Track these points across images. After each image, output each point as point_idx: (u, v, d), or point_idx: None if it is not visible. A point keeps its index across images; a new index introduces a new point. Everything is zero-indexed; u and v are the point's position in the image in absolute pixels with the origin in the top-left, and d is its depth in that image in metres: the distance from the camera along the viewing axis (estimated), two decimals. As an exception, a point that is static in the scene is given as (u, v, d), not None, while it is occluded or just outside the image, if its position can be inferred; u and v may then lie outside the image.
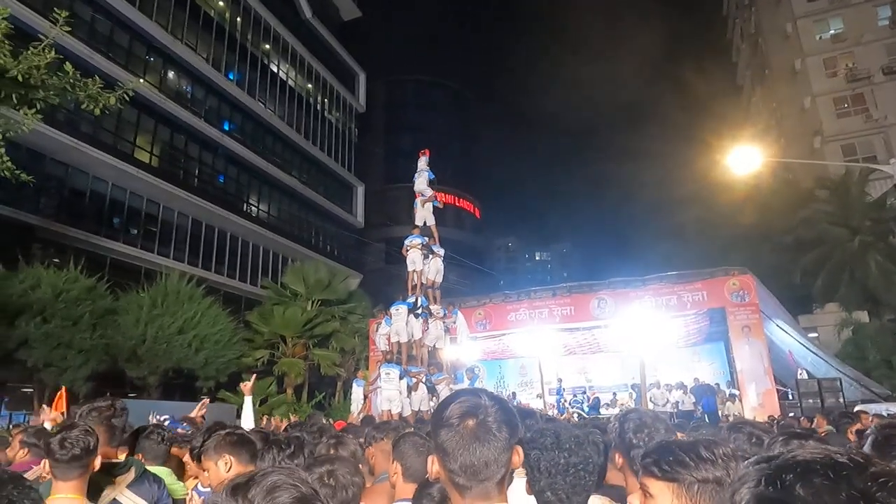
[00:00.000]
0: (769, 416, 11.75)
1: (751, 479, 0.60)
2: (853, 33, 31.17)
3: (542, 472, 1.68)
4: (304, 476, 0.94)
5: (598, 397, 18.65)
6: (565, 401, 18.19)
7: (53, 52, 6.99)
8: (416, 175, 14.34)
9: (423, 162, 14.37)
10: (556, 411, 16.99)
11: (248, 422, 4.46)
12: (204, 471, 2.40)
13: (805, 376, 15.08)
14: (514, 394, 18.95)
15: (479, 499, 1.27)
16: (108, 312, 17.04)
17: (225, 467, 2.33)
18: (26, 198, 18.92)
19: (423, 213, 13.68)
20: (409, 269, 12.97)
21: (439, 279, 13.46)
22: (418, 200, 13.94)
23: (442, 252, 13.58)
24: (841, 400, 13.64)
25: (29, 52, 6.88)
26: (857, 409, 11.13)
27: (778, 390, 15.06)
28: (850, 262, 23.83)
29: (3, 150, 7.09)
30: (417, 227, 13.52)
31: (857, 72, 30.43)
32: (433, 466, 1.32)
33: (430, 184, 14.15)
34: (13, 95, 7.04)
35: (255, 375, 4.58)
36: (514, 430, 1.30)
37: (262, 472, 0.92)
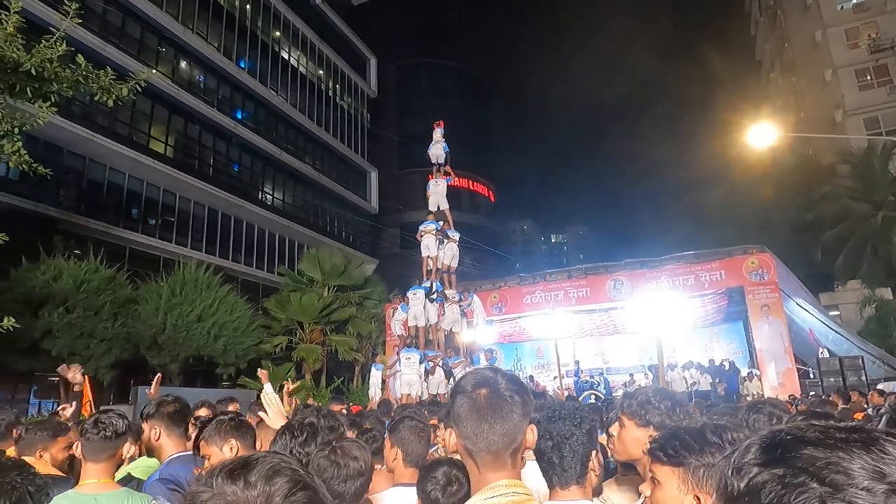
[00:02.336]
0: (790, 396, 11.65)
1: (755, 446, 0.60)
2: (876, 2, 30.21)
3: (542, 439, 1.71)
4: (296, 465, 0.93)
5: (606, 379, 18.62)
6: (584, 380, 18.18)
7: (65, 45, 7.02)
8: (431, 145, 14.31)
9: (438, 133, 14.33)
10: (573, 392, 17.00)
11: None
12: (206, 458, 2.39)
13: (826, 355, 14.89)
14: (531, 377, 19.00)
15: (493, 469, 1.29)
16: (128, 302, 17.32)
17: (231, 453, 2.34)
18: (46, 191, 19.20)
19: (437, 198, 13.65)
20: (424, 254, 12.99)
21: (454, 264, 13.47)
22: (432, 182, 13.90)
23: (457, 236, 13.57)
24: (863, 378, 13.47)
25: (41, 45, 6.91)
26: (879, 386, 11.00)
27: (799, 369, 14.91)
28: (873, 239, 23.37)
29: (20, 144, 7.16)
30: (432, 212, 13.51)
31: (881, 42, 29.54)
32: (451, 439, 1.34)
33: (446, 159, 14.12)
34: (28, 89, 7.09)
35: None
36: (527, 403, 1.33)
37: (259, 456, 0.91)
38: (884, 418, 1.76)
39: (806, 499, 0.53)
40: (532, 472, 1.71)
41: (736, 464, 0.60)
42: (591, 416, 1.82)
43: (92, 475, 2.39)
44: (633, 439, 2.01)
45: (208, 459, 2.38)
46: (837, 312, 23.02)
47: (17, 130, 7.12)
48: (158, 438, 2.84)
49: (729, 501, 0.59)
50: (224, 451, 2.35)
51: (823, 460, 0.54)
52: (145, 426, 2.88)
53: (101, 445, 2.41)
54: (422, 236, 13.03)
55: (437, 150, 14.11)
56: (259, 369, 4.29)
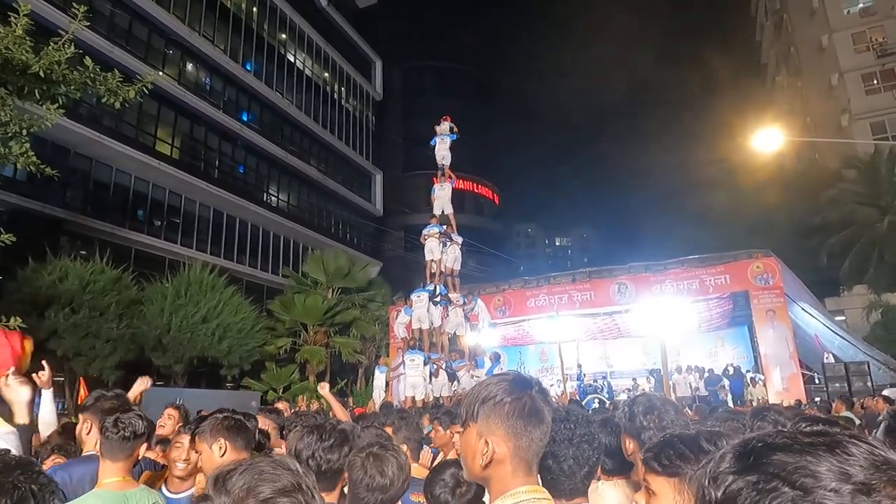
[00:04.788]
0: (796, 401, 11.61)
1: (729, 455, 0.63)
2: (883, 6, 30.12)
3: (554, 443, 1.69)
4: (294, 465, 0.92)
5: (609, 383, 18.56)
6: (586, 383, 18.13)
7: (73, 47, 7.06)
8: (437, 140, 14.25)
9: (445, 126, 14.30)
10: (577, 396, 16.96)
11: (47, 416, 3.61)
12: (198, 452, 2.38)
13: (831, 360, 14.82)
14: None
15: (525, 474, 1.28)
16: (133, 303, 17.39)
17: (219, 451, 2.32)
18: (53, 192, 19.31)
19: (442, 202, 13.65)
20: (427, 258, 13.01)
21: (457, 267, 13.46)
22: (437, 186, 13.89)
23: (460, 240, 13.57)
24: (869, 384, 13.39)
25: (50, 47, 6.96)
26: (884, 392, 10.94)
27: (804, 374, 14.84)
28: (879, 244, 23.26)
29: (28, 146, 7.21)
30: (435, 216, 13.52)
31: (888, 46, 29.45)
32: (478, 443, 1.28)
33: (450, 147, 14.08)
34: (36, 91, 7.14)
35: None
36: (552, 409, 1.35)
37: (248, 462, 0.91)
38: (882, 425, 1.75)
39: (779, 503, 0.56)
40: None
41: (712, 473, 0.62)
42: (598, 424, 1.80)
43: (113, 474, 2.41)
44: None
45: (199, 455, 2.38)
46: (843, 317, 22.89)
47: (25, 132, 7.17)
48: (89, 433, 2.82)
49: None
50: (213, 449, 2.33)
51: (793, 465, 0.57)
52: (80, 418, 2.86)
53: (119, 445, 2.43)
54: (425, 240, 13.05)
55: (443, 150, 14.05)
56: (320, 383, 4.45)
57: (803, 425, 1.47)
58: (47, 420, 3.56)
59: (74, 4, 7.08)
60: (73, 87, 7.26)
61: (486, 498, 1.46)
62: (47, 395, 3.57)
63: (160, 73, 20.22)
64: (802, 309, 16.17)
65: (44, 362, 3.59)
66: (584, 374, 18.78)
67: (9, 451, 0.94)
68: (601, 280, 17.12)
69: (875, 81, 29.82)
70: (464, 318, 13.12)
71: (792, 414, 2.87)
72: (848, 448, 0.57)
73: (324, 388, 5.03)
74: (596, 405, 13.63)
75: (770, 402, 12.54)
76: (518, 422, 1.26)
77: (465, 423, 1.32)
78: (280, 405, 4.96)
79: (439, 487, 2.15)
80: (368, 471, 1.95)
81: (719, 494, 0.60)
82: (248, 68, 28.65)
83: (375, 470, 1.95)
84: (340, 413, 4.55)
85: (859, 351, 16.63)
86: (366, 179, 39.04)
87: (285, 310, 22.30)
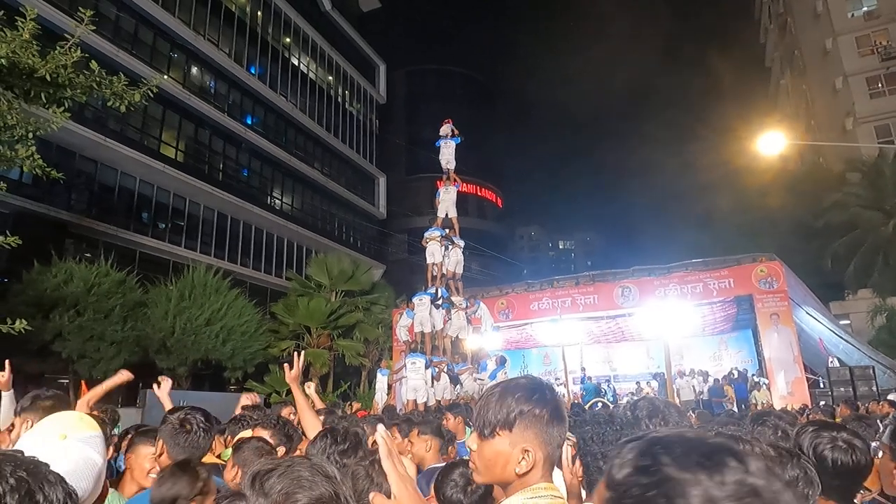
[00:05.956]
0: (801, 405, 11.56)
1: (636, 448, 0.65)
2: (887, 9, 30.07)
3: (595, 442, 1.74)
4: (332, 471, 0.92)
5: (613, 387, 18.51)
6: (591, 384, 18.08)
7: (80, 51, 7.11)
8: (442, 143, 14.23)
9: (446, 129, 14.30)
10: (580, 400, 16.93)
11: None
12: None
13: (836, 364, 14.75)
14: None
15: (547, 473, 1.33)
16: (138, 305, 17.44)
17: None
18: (58, 195, 19.41)
19: (446, 206, 13.67)
20: (429, 261, 13.02)
21: (459, 270, 13.46)
22: (441, 189, 13.91)
23: (462, 244, 13.57)
24: (874, 388, 13.32)
25: (56, 51, 7.00)
26: (890, 396, 10.88)
27: (808, 378, 14.77)
28: (884, 247, 23.17)
29: (34, 149, 7.25)
30: (439, 218, 13.53)
31: (892, 50, 29.37)
32: (520, 456, 1.31)
33: (454, 150, 14.09)
34: (42, 94, 7.18)
35: (302, 355, 3.83)
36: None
37: (287, 463, 0.91)
38: (888, 429, 1.73)
39: None
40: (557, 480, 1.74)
41: (620, 456, 0.66)
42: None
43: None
44: None
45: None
46: (848, 321, 22.77)
47: (31, 135, 7.21)
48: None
49: (608, 485, 0.65)
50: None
51: (674, 481, 0.59)
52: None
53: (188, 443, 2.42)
54: (427, 243, 13.06)
55: (448, 154, 14.07)
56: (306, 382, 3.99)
57: (717, 429, 1.52)
58: (3, 422, 3.50)
59: (81, 9, 7.14)
60: (79, 90, 7.30)
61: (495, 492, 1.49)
62: (7, 397, 3.54)
63: (165, 77, 20.26)
64: (807, 313, 16.12)
65: (7, 362, 3.55)
66: (588, 378, 18.75)
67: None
68: (605, 283, 17.10)
69: (879, 85, 29.75)
70: (466, 321, 13.12)
71: (791, 419, 2.85)
72: (725, 473, 0.59)
73: (310, 387, 4.78)
74: (599, 408, 13.60)
75: (774, 406, 12.50)
76: (552, 430, 1.32)
77: (493, 432, 1.32)
78: (286, 410, 4.88)
79: (450, 488, 2.13)
80: (375, 479, 1.89)
81: (619, 477, 0.64)
82: (253, 72, 28.76)
83: (382, 477, 1.91)
84: (309, 418, 3.40)
85: (864, 355, 16.56)
86: (369, 182, 39.11)
87: (289, 313, 22.33)
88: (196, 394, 16.02)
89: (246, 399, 4.54)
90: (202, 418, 2.40)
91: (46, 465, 0.96)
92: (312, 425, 3.10)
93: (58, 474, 0.95)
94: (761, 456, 0.63)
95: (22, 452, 0.97)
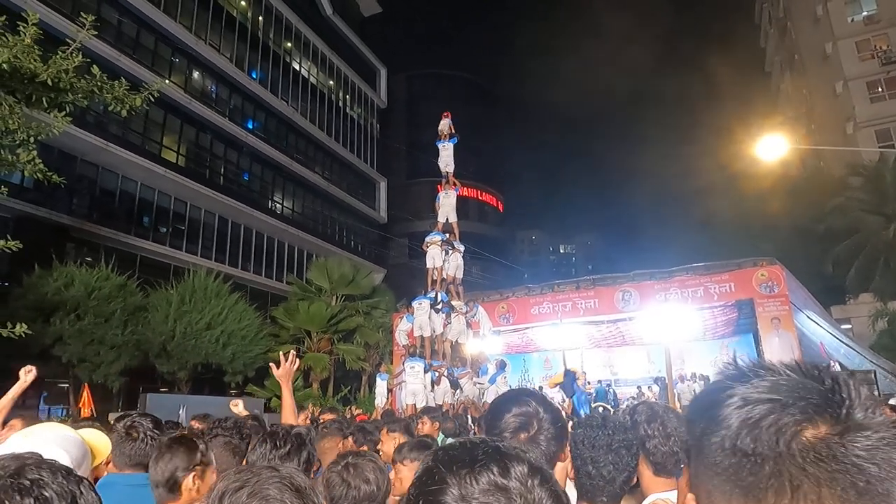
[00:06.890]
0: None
1: (440, 451, 0.71)
2: (887, 14, 30.12)
3: (585, 446, 1.73)
4: (300, 482, 0.90)
5: (614, 391, 18.46)
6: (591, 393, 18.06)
7: (81, 56, 7.13)
8: (440, 146, 14.24)
9: (445, 123, 14.30)
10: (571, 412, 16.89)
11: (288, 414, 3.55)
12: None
13: (838, 368, 14.70)
14: (540, 387, 18.91)
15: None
16: (138, 309, 17.44)
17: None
18: (59, 199, 19.44)
19: (447, 210, 13.68)
20: (429, 265, 13.03)
21: (460, 275, 13.47)
22: (442, 194, 13.92)
23: (462, 248, 13.58)
24: (875, 393, 13.28)
25: (58, 55, 7.02)
26: (891, 401, 10.84)
27: (809, 383, 14.71)
28: (885, 251, 23.16)
29: (35, 153, 7.26)
30: (439, 222, 13.55)
31: (892, 54, 29.41)
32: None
33: (454, 154, 14.11)
34: (43, 99, 7.20)
35: (292, 353, 3.49)
36: (562, 443, 1.43)
37: (256, 478, 0.88)
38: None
39: None
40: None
41: (424, 464, 0.70)
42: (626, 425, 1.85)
43: None
44: None
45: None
46: (849, 326, 22.74)
47: (32, 140, 7.23)
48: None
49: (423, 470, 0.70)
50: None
51: (438, 487, 0.64)
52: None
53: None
54: (427, 247, 13.07)
55: (446, 157, 14.09)
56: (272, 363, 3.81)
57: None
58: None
59: (82, 14, 7.16)
60: (80, 95, 7.32)
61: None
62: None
63: (166, 82, 20.32)
64: (808, 317, 16.09)
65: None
66: (589, 382, 18.71)
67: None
68: (605, 287, 17.06)
69: (880, 89, 29.77)
70: (466, 325, 13.11)
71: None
72: (479, 479, 0.64)
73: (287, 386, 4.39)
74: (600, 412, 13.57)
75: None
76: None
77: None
78: (302, 416, 4.74)
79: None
80: (352, 483, 1.85)
81: (424, 466, 0.69)
82: (254, 76, 28.84)
83: (359, 479, 1.86)
84: (290, 414, 3.55)
85: (865, 359, 16.53)
86: (370, 187, 39.15)
87: (289, 317, 22.32)
88: (196, 398, 15.98)
89: (234, 408, 4.48)
90: (150, 426, 2.29)
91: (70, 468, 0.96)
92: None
93: (87, 479, 0.95)
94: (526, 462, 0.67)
95: (40, 455, 0.97)
